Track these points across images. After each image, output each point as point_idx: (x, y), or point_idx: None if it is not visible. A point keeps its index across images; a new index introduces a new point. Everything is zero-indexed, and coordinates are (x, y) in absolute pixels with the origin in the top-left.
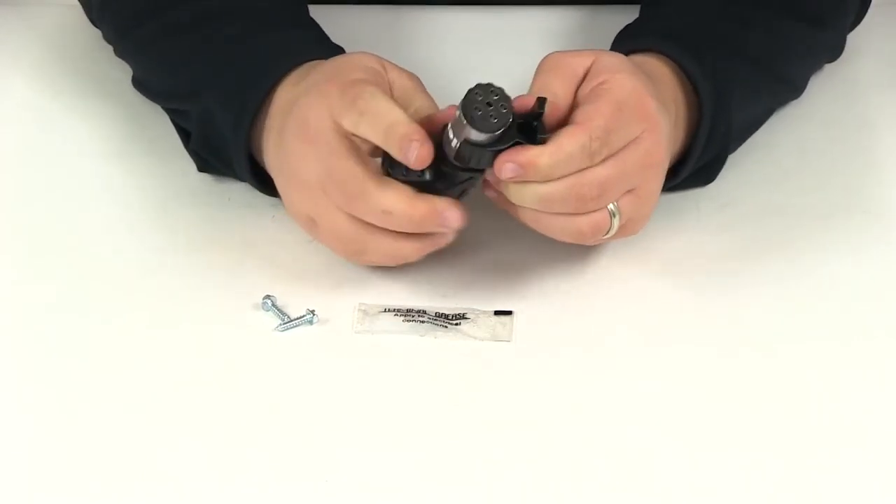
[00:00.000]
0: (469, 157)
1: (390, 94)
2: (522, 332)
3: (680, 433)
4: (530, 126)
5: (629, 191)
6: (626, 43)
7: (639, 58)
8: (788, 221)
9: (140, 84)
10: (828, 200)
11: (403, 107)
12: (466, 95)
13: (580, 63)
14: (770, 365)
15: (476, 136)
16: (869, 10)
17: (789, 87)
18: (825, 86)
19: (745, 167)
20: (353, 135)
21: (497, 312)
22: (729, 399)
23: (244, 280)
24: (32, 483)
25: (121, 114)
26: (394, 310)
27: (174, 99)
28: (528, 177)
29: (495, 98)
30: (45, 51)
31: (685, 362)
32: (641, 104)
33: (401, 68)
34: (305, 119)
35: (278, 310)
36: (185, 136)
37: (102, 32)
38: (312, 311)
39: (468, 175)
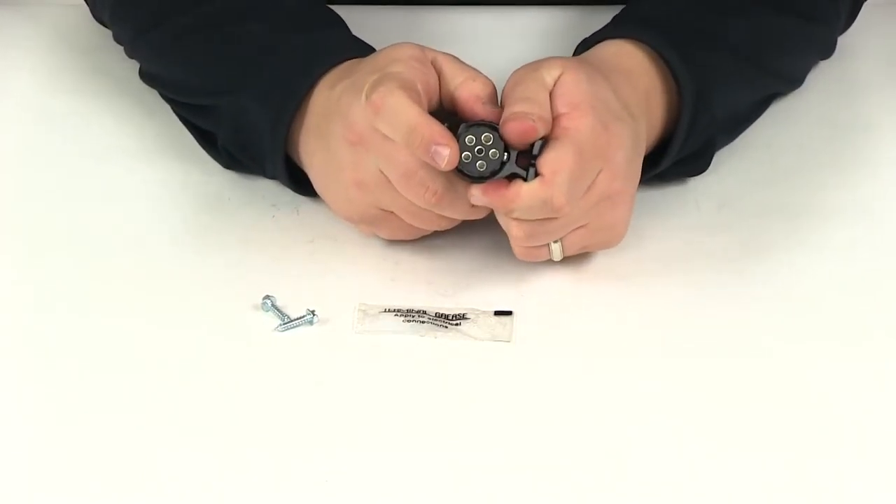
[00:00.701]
0: (464, 179)
1: (431, 80)
2: (522, 332)
3: (680, 433)
4: (529, 150)
5: (579, 227)
6: (606, 30)
7: (614, 47)
8: (788, 221)
9: (155, 79)
10: (827, 200)
11: (454, 84)
12: (458, 135)
13: (548, 74)
14: (770, 364)
15: (469, 168)
16: (866, 10)
17: (779, 80)
18: (824, 85)
19: (744, 167)
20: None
21: (497, 312)
22: (729, 399)
23: (244, 280)
24: (32, 483)
25: (121, 114)
26: (394, 310)
27: (200, 95)
28: (494, 208)
29: (488, 143)
30: (46, 51)
31: (685, 362)
32: (598, 143)
33: (443, 52)
34: (348, 118)
35: (278, 310)
36: (199, 133)
37: (114, 31)
38: (312, 311)
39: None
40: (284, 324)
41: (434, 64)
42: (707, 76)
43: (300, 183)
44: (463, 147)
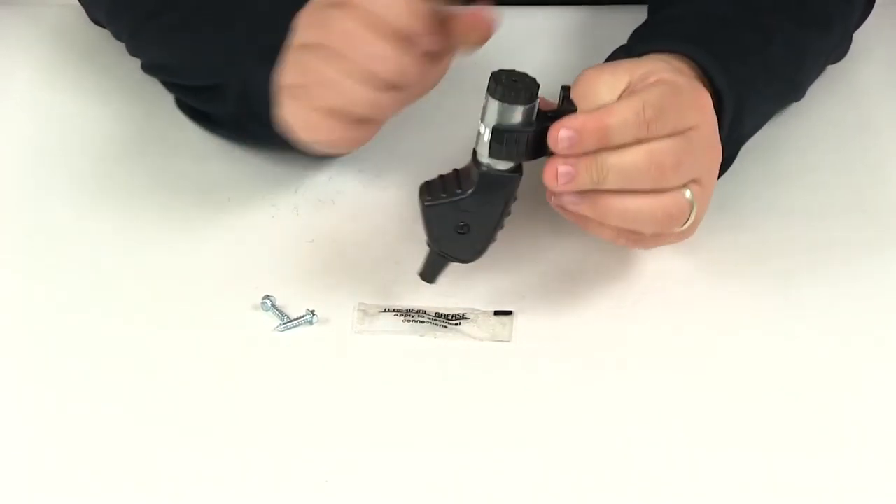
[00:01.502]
0: (504, 147)
1: None
2: (522, 332)
3: (679, 433)
4: (561, 116)
5: (694, 180)
6: (642, 45)
7: (662, 62)
8: (788, 221)
9: (160, 69)
10: (828, 200)
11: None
12: (492, 75)
13: (615, 83)
14: (770, 364)
15: (505, 114)
16: (871, 12)
17: (797, 92)
18: (826, 86)
19: (744, 167)
20: None
21: (497, 312)
22: (729, 399)
23: (244, 280)
24: (32, 483)
25: (120, 114)
26: (394, 310)
27: (207, 74)
28: (584, 143)
29: (519, 76)
30: (46, 51)
31: (684, 362)
32: (699, 95)
33: None
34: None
35: (278, 310)
36: (204, 118)
37: (113, 29)
38: (312, 311)
39: (506, 180)
40: (284, 324)
41: None
42: (744, 95)
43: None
44: (496, 80)
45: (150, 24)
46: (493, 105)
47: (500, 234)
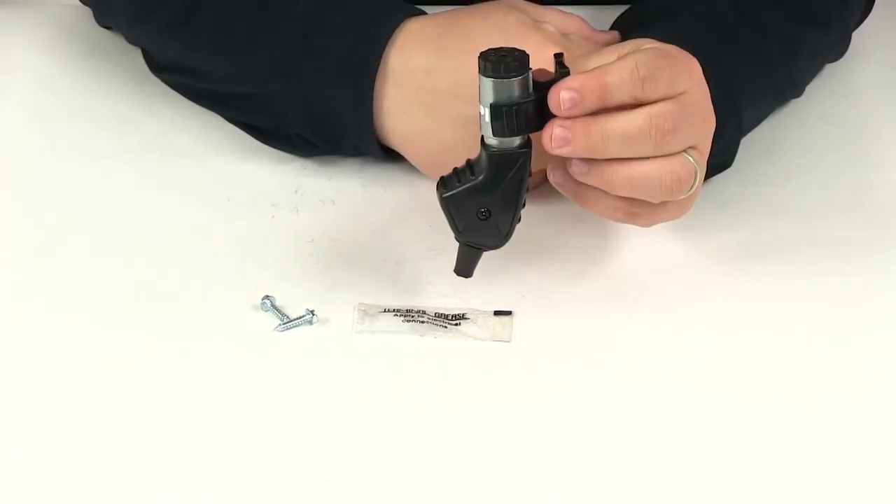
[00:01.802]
0: (505, 123)
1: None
2: (522, 332)
3: (680, 433)
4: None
5: (692, 147)
6: (638, 32)
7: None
8: (789, 221)
9: (192, 73)
10: (828, 200)
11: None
12: (480, 56)
13: (608, 58)
14: (770, 364)
15: (500, 90)
16: (871, 12)
17: (795, 89)
18: (826, 85)
19: (744, 167)
20: None
21: (497, 312)
22: (729, 399)
23: (244, 280)
24: (32, 483)
25: (121, 114)
26: (394, 310)
27: (246, 82)
28: (585, 102)
29: (507, 51)
30: (46, 51)
31: (685, 362)
32: (688, 62)
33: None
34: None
35: (278, 310)
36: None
37: (135, 33)
38: (312, 311)
39: (516, 157)
40: (284, 324)
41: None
42: (736, 88)
43: (388, 152)
44: (485, 58)
45: (182, 26)
46: (487, 84)
47: None
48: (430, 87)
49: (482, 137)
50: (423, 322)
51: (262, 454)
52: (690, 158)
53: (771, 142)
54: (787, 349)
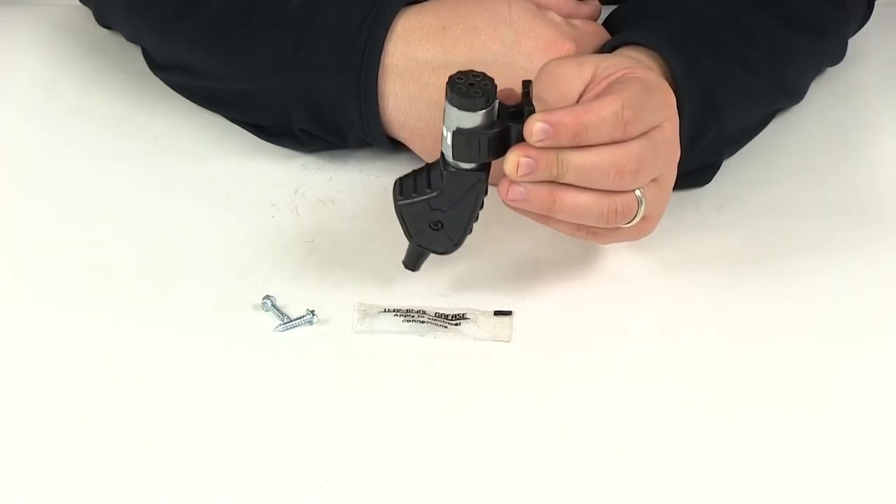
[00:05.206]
0: (467, 148)
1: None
2: (522, 332)
3: (680, 433)
4: (521, 114)
5: (653, 179)
6: (617, 37)
7: (635, 55)
8: (788, 221)
9: (191, 72)
10: (828, 200)
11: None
12: (448, 82)
13: (580, 76)
14: (770, 364)
15: (464, 119)
16: (870, 17)
17: (789, 95)
18: (825, 87)
19: (744, 167)
20: None
21: (497, 312)
22: (729, 398)
23: (244, 280)
24: (32, 483)
25: (121, 114)
26: (394, 310)
27: (245, 79)
28: (559, 138)
29: (476, 79)
30: (45, 51)
31: (685, 362)
32: (667, 93)
33: None
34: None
35: (278, 310)
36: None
37: (130, 31)
38: (312, 311)
39: (473, 179)
40: (284, 324)
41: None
42: (716, 92)
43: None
44: (453, 85)
45: (180, 25)
46: (452, 111)
47: (502, 234)
48: (438, 83)
49: (442, 153)
50: (423, 322)
51: (262, 454)
52: (637, 192)
53: (771, 142)
54: (786, 349)
